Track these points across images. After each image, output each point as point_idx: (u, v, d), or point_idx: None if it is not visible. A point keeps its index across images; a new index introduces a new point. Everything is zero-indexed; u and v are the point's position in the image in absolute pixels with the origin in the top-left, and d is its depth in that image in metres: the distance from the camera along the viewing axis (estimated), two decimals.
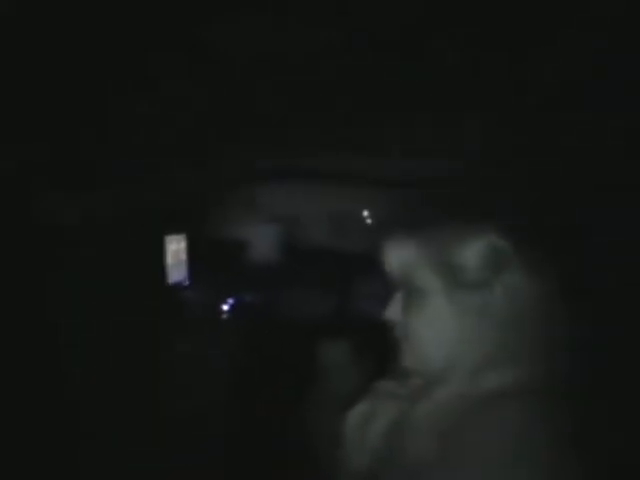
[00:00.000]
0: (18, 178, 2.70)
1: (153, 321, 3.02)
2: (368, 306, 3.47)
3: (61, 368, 2.62)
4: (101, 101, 2.59)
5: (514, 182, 2.98)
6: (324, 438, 1.36)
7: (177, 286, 4.20)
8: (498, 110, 2.78)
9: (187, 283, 4.37)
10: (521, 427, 0.65)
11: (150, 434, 2.48)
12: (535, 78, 2.35)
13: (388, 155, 4.33)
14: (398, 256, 0.80)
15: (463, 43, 2.08)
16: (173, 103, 2.87)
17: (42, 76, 2.23)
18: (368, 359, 1.72)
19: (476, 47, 2.10)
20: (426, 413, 0.73)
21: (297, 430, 1.98)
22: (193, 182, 4.69)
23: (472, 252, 0.73)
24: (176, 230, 4.33)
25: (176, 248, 4.28)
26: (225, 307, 3.84)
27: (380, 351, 1.11)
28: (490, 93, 2.58)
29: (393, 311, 0.82)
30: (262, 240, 4.80)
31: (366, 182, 4.74)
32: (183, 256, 4.39)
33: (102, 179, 3.51)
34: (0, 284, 2.50)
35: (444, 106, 2.84)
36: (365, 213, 5.29)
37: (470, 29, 1.96)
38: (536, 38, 1.98)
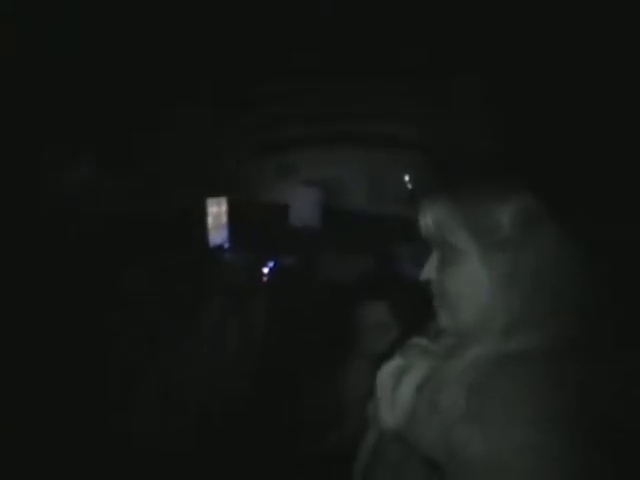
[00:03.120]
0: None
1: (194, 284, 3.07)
2: (407, 269, 3.45)
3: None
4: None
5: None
6: (360, 398, 1.37)
7: (218, 249, 4.26)
8: None
9: (227, 246, 4.43)
10: (545, 387, 0.66)
11: (192, 391, 2.56)
12: None
13: (427, 120, 4.24)
14: (433, 216, 0.80)
15: None
16: None
17: None
18: (406, 320, 1.71)
19: None
20: (457, 370, 0.74)
21: (334, 391, 2.00)
22: (235, 146, 4.71)
23: (505, 212, 0.74)
24: (217, 193, 4.37)
25: (217, 211, 4.33)
26: (265, 270, 3.88)
27: (418, 312, 1.10)
28: None
29: (429, 271, 0.83)
30: (302, 203, 4.79)
31: (407, 146, 4.66)
32: (224, 219, 4.43)
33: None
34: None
35: None
36: (406, 177, 5.21)
37: None
38: None
